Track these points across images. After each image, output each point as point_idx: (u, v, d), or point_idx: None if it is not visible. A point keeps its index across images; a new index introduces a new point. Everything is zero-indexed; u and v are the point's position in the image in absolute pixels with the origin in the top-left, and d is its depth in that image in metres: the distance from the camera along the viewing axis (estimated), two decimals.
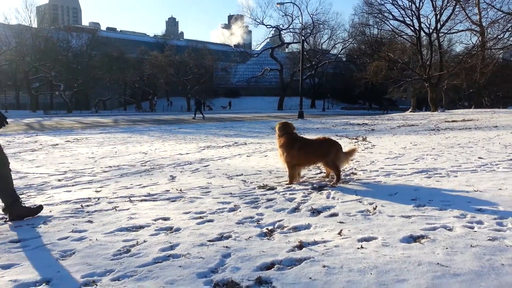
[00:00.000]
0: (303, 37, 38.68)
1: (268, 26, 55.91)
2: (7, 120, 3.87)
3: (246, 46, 73.16)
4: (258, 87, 74.08)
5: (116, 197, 4.70)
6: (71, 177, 6.10)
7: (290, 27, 55.08)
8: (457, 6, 33.11)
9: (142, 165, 7.21)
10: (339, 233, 3.25)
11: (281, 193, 4.70)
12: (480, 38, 33.92)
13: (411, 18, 35.88)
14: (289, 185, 5.16)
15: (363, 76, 41.84)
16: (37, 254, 2.98)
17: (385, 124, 18.17)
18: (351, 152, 5.63)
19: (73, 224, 3.66)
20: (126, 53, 57.77)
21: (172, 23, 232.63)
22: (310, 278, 2.48)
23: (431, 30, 35.87)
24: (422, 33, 36.40)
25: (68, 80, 50.10)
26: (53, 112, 45.97)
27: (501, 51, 36.42)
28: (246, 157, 8.09)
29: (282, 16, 77.92)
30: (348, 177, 5.63)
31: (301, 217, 3.76)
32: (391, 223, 3.47)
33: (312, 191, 4.83)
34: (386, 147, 8.97)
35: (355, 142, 10.27)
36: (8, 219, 3.80)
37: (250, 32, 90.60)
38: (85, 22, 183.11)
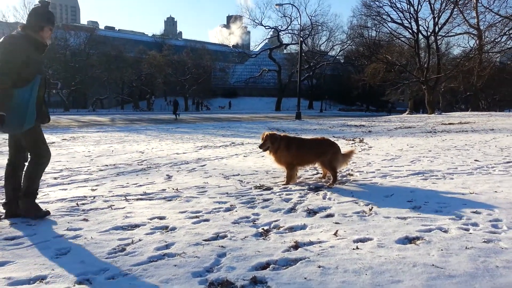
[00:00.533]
0: (301, 38, 38.64)
1: (266, 27, 55.89)
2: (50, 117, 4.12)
3: (245, 46, 73.13)
4: (256, 87, 74.09)
5: (112, 196, 4.68)
6: (67, 175, 6.08)
7: (288, 28, 55.16)
8: (455, 9, 33.37)
9: (138, 164, 7.19)
10: (335, 234, 3.25)
11: (277, 194, 4.70)
12: (477, 42, 34.13)
13: (409, 20, 36.11)
14: (286, 186, 5.16)
15: (360, 78, 41.97)
16: (32, 252, 2.96)
17: (382, 126, 18.21)
18: (349, 154, 5.64)
19: (68, 222, 3.65)
20: (124, 52, 57.57)
21: (170, 22, 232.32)
22: (305, 278, 2.48)
23: (429, 33, 36.08)
24: (420, 36, 36.63)
25: (65, 78, 49.88)
26: (50, 110, 45.68)
27: (498, 55, 36.68)
28: (243, 157, 8.09)
29: (281, 17, 77.94)
30: (345, 178, 5.64)
31: (297, 218, 3.76)
32: (386, 224, 3.48)
33: (308, 191, 4.83)
34: (382, 148, 8.99)
35: (352, 144, 10.29)
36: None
37: (248, 32, 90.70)
38: (84, 20, 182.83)
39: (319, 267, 2.62)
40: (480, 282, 2.38)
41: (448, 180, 5.36)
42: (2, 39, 3.56)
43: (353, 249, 2.93)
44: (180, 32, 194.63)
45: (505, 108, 48.06)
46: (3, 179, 3.93)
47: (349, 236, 3.21)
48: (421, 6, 35.53)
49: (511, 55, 36.22)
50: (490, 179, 5.34)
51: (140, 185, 5.30)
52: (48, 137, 12.61)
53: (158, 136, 13.50)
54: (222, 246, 3.02)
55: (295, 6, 46.81)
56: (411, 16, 35.73)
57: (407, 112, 40.42)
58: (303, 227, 3.49)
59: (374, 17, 37.78)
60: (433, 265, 2.62)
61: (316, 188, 4.99)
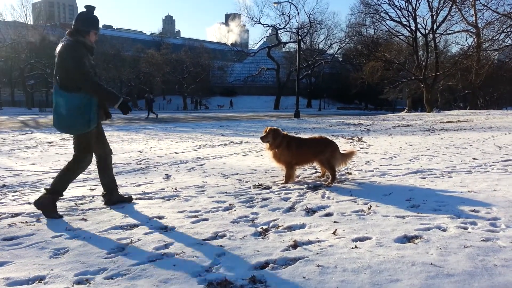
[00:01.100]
0: (299, 37, 38.55)
1: (265, 25, 55.89)
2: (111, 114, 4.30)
3: (243, 45, 72.87)
4: (255, 86, 74.06)
5: None
6: None
7: (287, 27, 55.20)
8: (453, 7, 33.31)
9: (137, 164, 7.19)
10: (334, 233, 3.26)
11: (276, 193, 4.70)
12: (475, 39, 34.13)
13: (408, 18, 36.06)
14: (285, 185, 5.17)
15: (359, 76, 41.95)
16: (30, 252, 2.96)
17: (380, 125, 18.22)
18: (349, 154, 5.63)
19: (67, 222, 3.64)
20: (122, 51, 57.47)
21: (169, 21, 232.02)
22: (304, 277, 2.48)
23: (427, 31, 36.06)
24: (418, 34, 36.59)
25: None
26: (48, 109, 45.60)
27: (497, 53, 36.65)
28: (241, 156, 8.08)
29: (279, 15, 78.21)
30: (343, 177, 5.65)
31: (296, 217, 3.76)
32: (385, 223, 3.48)
33: (307, 190, 4.83)
34: (381, 147, 9.00)
35: (350, 142, 10.29)
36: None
37: (247, 31, 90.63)
38: None
39: (318, 266, 2.62)
40: (479, 281, 2.39)
41: (447, 178, 5.37)
42: (62, 47, 3.74)
43: (352, 248, 2.93)
44: (179, 31, 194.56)
45: (503, 106, 48.19)
46: (98, 174, 4.28)
47: (348, 235, 3.21)
48: (419, 4, 35.44)
49: (509, 53, 36.17)
50: (488, 177, 5.35)
51: (139, 185, 5.30)
52: (47, 137, 12.59)
53: (156, 135, 13.49)
54: (221, 246, 3.02)
55: (293, 4, 46.62)
56: (409, 14, 35.71)
57: (405, 111, 40.46)
58: (302, 226, 3.49)
59: (372, 15, 37.72)
60: (431, 264, 2.62)
61: (315, 187, 5.00)
